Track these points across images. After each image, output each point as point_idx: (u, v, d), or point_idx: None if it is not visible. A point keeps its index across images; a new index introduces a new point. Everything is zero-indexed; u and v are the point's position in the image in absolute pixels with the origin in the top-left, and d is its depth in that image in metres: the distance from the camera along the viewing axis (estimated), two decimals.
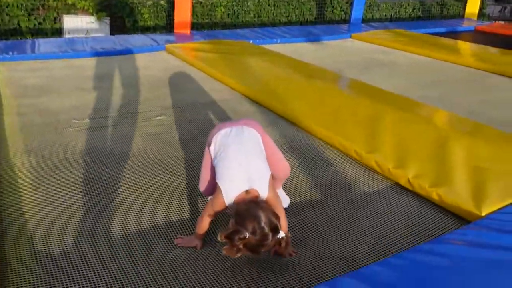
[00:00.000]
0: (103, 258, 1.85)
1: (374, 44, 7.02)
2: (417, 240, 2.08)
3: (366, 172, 2.74)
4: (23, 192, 2.33)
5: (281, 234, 1.68)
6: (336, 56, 6.07)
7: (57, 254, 1.87)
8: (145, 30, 7.61)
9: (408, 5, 10.71)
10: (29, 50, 5.32)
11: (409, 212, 2.33)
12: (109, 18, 7.30)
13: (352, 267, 1.87)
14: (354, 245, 2.03)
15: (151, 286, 1.72)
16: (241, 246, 1.61)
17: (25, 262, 1.81)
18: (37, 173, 2.52)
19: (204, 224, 1.90)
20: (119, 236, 2.01)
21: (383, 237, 2.10)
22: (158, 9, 7.71)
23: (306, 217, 2.23)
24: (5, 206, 2.18)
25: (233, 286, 1.74)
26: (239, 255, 1.64)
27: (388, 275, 1.66)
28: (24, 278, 1.72)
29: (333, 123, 3.29)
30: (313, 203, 2.36)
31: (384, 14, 10.40)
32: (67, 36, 7.09)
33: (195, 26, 7.82)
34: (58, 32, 7.14)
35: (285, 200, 2.30)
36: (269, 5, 8.95)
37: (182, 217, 2.18)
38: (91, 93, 4.04)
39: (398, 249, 2.01)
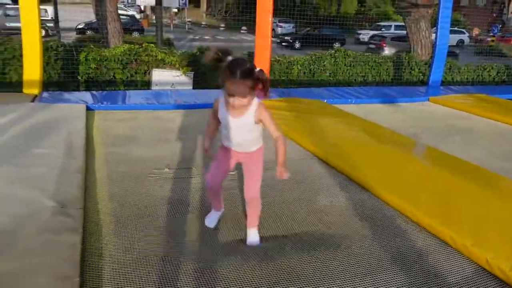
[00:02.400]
0: None
1: (453, 108, 6.81)
2: None
3: (438, 245, 2.63)
4: (105, 236, 2.52)
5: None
6: (412, 120, 5.98)
7: None
8: None
9: (492, 68, 10.36)
10: (120, 101, 5.85)
11: None
12: (193, 72, 7.84)
13: None
14: None
15: None
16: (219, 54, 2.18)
17: None
18: (117, 219, 2.72)
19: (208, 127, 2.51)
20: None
21: None
22: None
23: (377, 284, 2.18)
24: (89, 248, 2.36)
25: None
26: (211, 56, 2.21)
27: None
28: None
29: (405, 191, 3.22)
30: (382, 271, 2.30)
31: (465, 77, 10.12)
32: (154, 88, 7.69)
33: (272, 83, 8.14)
34: (147, 84, 7.78)
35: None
36: (345, 65, 9.11)
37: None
38: (172, 144, 4.32)
39: None
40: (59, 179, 3.14)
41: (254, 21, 6.91)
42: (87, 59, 7.41)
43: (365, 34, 23.69)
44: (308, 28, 20.77)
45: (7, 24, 22.74)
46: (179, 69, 7.79)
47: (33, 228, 2.42)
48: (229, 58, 2.17)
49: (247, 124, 2.29)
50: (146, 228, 2.65)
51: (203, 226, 2.70)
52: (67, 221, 2.56)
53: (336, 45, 14.85)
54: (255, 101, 2.25)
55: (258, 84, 2.17)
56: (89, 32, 20.97)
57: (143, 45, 7.83)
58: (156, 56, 7.70)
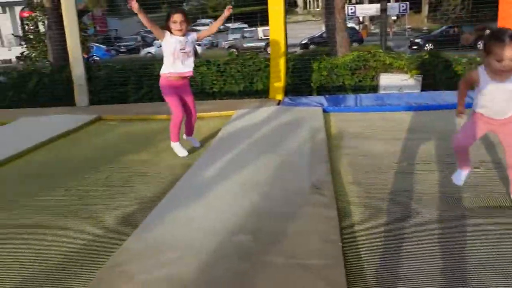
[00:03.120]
0: None
1: None
2: None
3: None
4: (355, 213, 2.85)
5: None
6: None
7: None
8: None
9: None
10: (352, 104, 6.25)
11: None
12: (421, 75, 7.72)
13: None
14: None
15: None
16: None
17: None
18: (365, 201, 3.03)
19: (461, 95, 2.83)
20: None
21: None
22: (473, 66, 7.65)
23: None
24: (343, 229, 2.72)
25: None
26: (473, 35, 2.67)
27: None
28: None
29: None
30: None
31: None
32: (382, 92, 7.89)
33: None
34: (374, 88, 8.03)
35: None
36: None
37: None
38: (405, 142, 4.43)
39: None
40: (310, 167, 3.65)
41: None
42: (319, 67, 8.12)
43: None
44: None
45: (244, 45, 26.45)
46: (406, 73, 7.79)
47: (299, 201, 2.93)
48: (487, 31, 2.51)
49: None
50: (390, 210, 2.87)
51: (452, 216, 2.76)
52: (322, 199, 2.99)
53: None
54: None
55: None
56: (311, 46, 22.59)
57: (371, 51, 8.13)
58: (384, 61, 7.89)
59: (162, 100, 4.51)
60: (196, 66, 8.29)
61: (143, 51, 27.32)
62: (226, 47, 27.05)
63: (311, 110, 5.88)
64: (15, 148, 4.76)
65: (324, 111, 5.97)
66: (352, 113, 5.91)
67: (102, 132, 5.80)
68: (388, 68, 7.93)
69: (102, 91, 7.90)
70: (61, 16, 10.03)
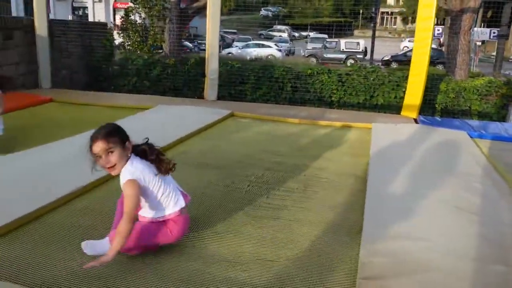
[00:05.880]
0: None
1: None
2: None
3: None
4: None
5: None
6: None
7: None
8: None
9: None
10: (497, 132, 5.89)
11: None
12: None
13: None
14: None
15: None
16: None
17: None
18: None
19: None
20: None
21: None
22: None
23: None
24: None
25: None
26: None
27: None
28: None
29: None
30: None
31: None
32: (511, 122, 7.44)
33: None
34: (503, 117, 7.59)
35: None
36: None
37: None
38: None
39: None
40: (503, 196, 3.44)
41: None
42: (447, 89, 7.80)
43: None
44: None
45: (325, 55, 26.24)
46: None
47: None
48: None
49: None
50: None
51: None
52: None
53: None
54: None
55: None
56: (393, 64, 21.96)
57: (505, 78, 7.70)
58: None
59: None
60: (316, 73, 8.30)
61: (224, 51, 27.85)
62: (306, 55, 26.97)
63: (458, 134, 5.61)
64: (174, 134, 4.87)
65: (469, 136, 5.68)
66: (502, 142, 5.58)
67: (241, 128, 5.85)
68: None
69: (221, 87, 8.01)
70: (181, 12, 10.41)
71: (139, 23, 13.71)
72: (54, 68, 8.37)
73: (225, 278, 2.26)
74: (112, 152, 2.12)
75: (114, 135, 2.15)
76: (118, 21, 17.33)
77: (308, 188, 3.64)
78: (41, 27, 7.90)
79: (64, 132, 4.78)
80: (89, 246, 2.26)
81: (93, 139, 2.13)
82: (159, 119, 5.77)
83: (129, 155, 2.21)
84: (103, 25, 10.89)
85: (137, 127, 5.27)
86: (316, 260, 2.48)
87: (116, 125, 2.26)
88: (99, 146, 2.11)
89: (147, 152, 2.28)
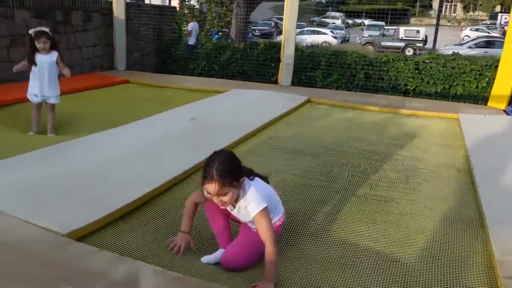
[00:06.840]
0: None
1: None
2: None
3: None
4: None
5: None
6: None
7: None
8: None
9: None
10: None
11: None
12: None
13: None
14: None
15: None
16: None
17: None
18: None
19: None
20: None
21: None
22: None
23: None
24: None
25: None
26: None
27: None
28: None
29: None
30: None
31: None
32: None
33: None
34: None
35: None
36: None
37: None
38: None
39: None
40: None
41: None
42: None
43: None
44: None
45: (382, 43, 25.34)
46: None
47: None
48: None
49: None
50: None
51: None
52: None
53: None
54: None
55: None
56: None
57: None
58: None
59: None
60: (392, 60, 7.98)
61: (278, 38, 27.53)
62: (363, 43, 26.17)
63: None
64: (258, 119, 4.82)
65: None
66: None
67: (321, 115, 5.73)
68: None
69: (293, 72, 7.86)
70: None
71: (196, 8, 13.78)
72: (128, 50, 8.56)
73: (342, 280, 2.19)
74: (225, 195, 1.99)
75: (229, 176, 1.96)
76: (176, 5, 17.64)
77: (410, 179, 3.49)
78: (118, 10, 8.07)
79: (148, 111, 4.86)
80: (205, 259, 2.21)
81: (207, 178, 1.95)
82: (238, 103, 5.75)
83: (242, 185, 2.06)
84: (173, 8, 10.98)
85: (218, 109, 5.34)
86: (444, 257, 2.35)
87: (231, 162, 2.03)
88: (212, 188, 1.95)
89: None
